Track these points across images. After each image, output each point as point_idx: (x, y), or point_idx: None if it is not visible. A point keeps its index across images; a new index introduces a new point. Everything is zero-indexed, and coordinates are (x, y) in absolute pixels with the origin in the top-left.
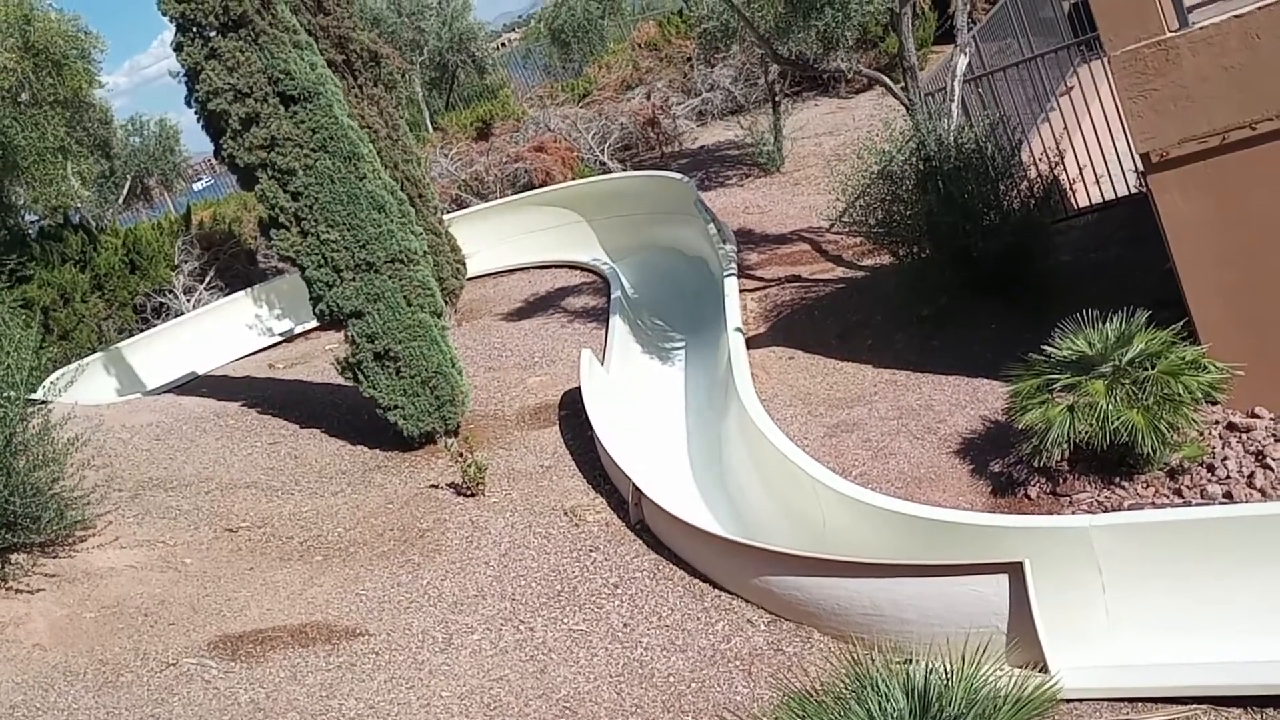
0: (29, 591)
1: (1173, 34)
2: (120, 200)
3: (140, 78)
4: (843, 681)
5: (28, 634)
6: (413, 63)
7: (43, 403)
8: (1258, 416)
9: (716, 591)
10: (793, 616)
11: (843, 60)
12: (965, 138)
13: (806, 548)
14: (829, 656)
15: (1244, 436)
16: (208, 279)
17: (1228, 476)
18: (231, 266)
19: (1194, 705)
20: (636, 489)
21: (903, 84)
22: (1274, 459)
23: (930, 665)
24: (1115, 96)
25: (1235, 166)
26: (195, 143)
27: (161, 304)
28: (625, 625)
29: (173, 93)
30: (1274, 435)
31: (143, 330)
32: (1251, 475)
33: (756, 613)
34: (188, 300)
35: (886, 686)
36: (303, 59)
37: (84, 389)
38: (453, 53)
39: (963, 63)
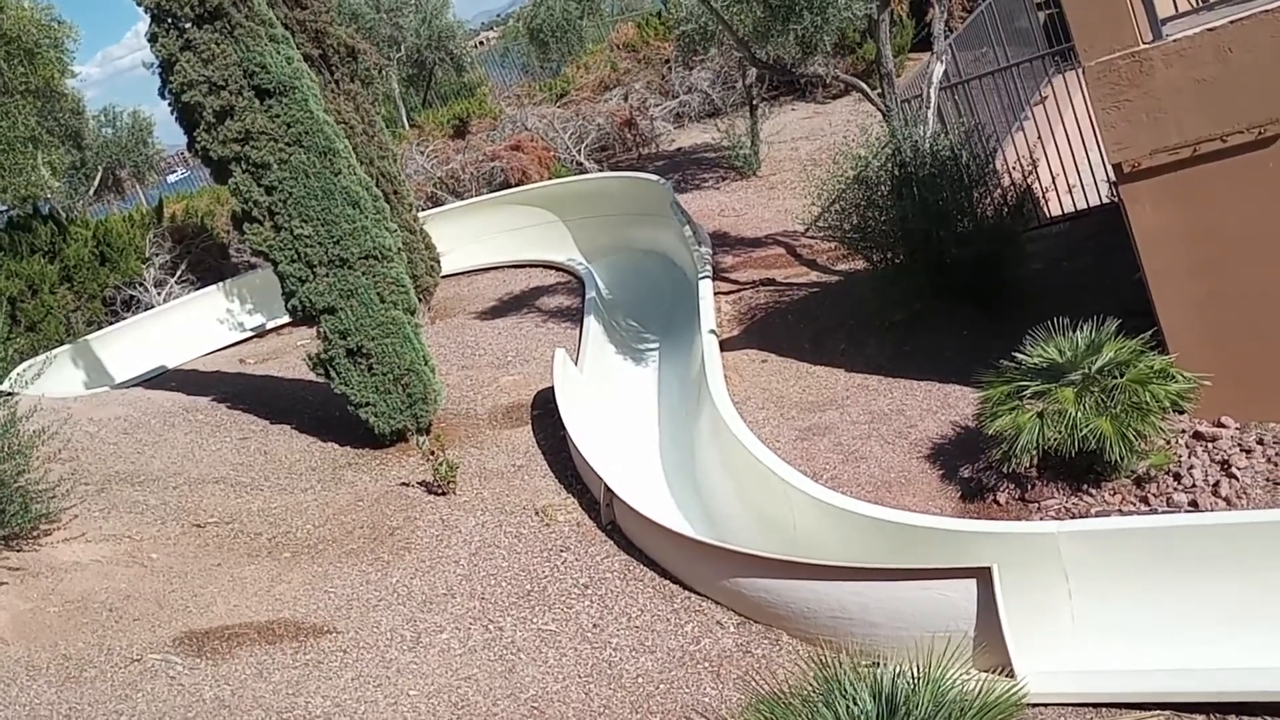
0: None
1: (1147, 45)
2: (91, 192)
3: (113, 69)
4: (811, 684)
5: None
6: (390, 59)
7: (8, 394)
8: (1224, 426)
9: (686, 593)
10: (762, 619)
11: (820, 65)
12: (940, 145)
13: (777, 550)
14: (797, 659)
15: (1210, 446)
16: (179, 272)
17: (1194, 485)
18: (203, 260)
19: (1158, 710)
20: (608, 489)
21: (879, 90)
22: (1239, 468)
23: (898, 669)
24: (1088, 107)
25: (1206, 178)
26: (169, 135)
27: (131, 297)
28: (595, 626)
29: (146, 85)
30: (1239, 445)
31: (112, 323)
32: (1217, 484)
33: (726, 615)
34: (158, 294)
35: (854, 689)
36: (279, 52)
37: (51, 381)
38: (431, 50)
39: (939, 70)
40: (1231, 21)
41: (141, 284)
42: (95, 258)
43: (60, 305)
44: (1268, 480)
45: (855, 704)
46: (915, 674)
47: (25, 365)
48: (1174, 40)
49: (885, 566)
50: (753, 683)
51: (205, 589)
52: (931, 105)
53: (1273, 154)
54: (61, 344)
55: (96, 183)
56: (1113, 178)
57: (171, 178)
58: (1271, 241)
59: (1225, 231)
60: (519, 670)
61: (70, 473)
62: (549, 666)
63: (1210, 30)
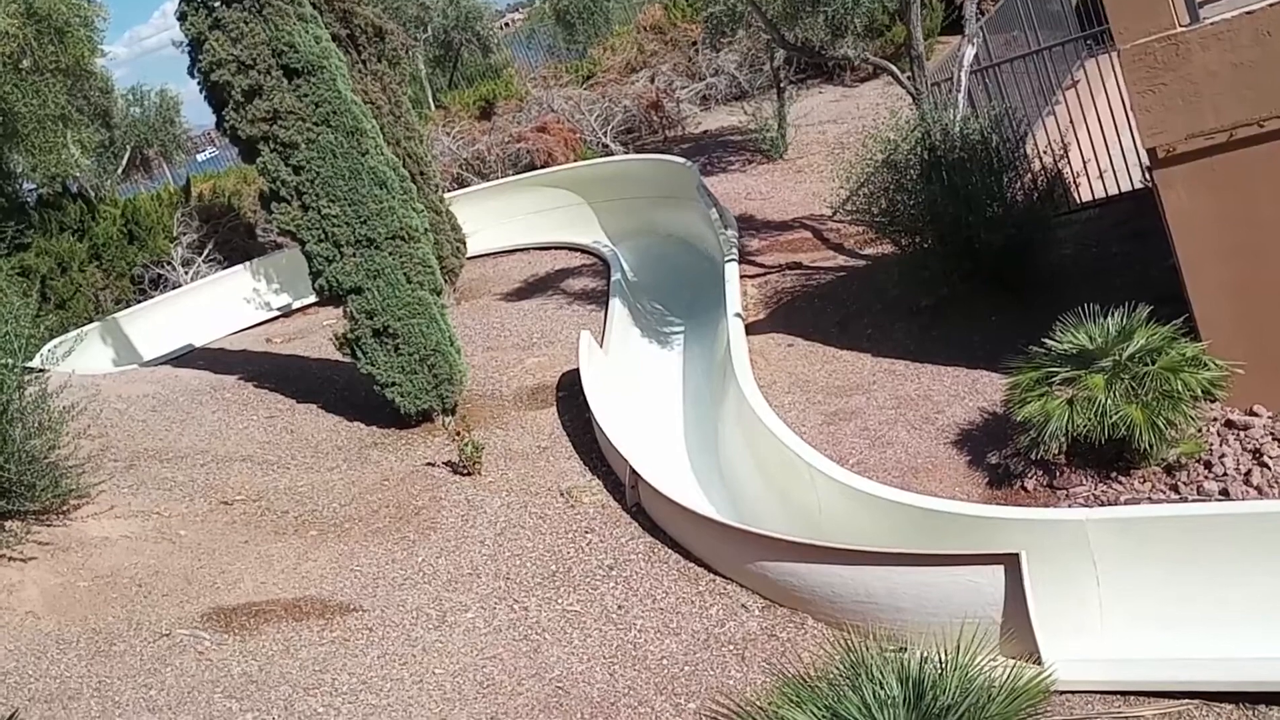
0: (22, 560)
1: (1183, 29)
2: (119, 171)
3: (140, 49)
4: (837, 668)
5: (20, 601)
6: (416, 40)
7: (40, 371)
8: (1256, 415)
9: (711, 575)
10: (787, 602)
11: (850, 48)
12: (970, 129)
13: (801, 535)
14: (823, 643)
15: (1242, 434)
16: (206, 252)
17: (1225, 474)
18: (230, 240)
19: (1186, 700)
20: (634, 472)
21: (909, 73)
22: (1271, 457)
23: (925, 654)
24: (1121, 91)
25: (1242, 164)
26: (196, 115)
27: (159, 275)
28: (619, 607)
29: (173, 65)
30: (1272, 434)
31: (140, 301)
32: (1249, 473)
33: (751, 598)
34: (185, 273)
35: (881, 674)
36: (307, 32)
37: (81, 358)
38: (457, 31)
39: (970, 53)
40: (1270, 5)
41: (169, 263)
42: (124, 236)
43: (89, 283)
44: None
45: (882, 688)
46: (942, 659)
47: (56, 342)
48: (1211, 24)
49: (913, 552)
50: (778, 666)
51: (233, 566)
52: (962, 89)
53: None
54: (90, 321)
55: (124, 162)
56: (1146, 162)
57: (201, 156)
58: None
59: (1260, 218)
60: (544, 650)
61: (99, 449)
62: (574, 647)
63: (1248, 14)
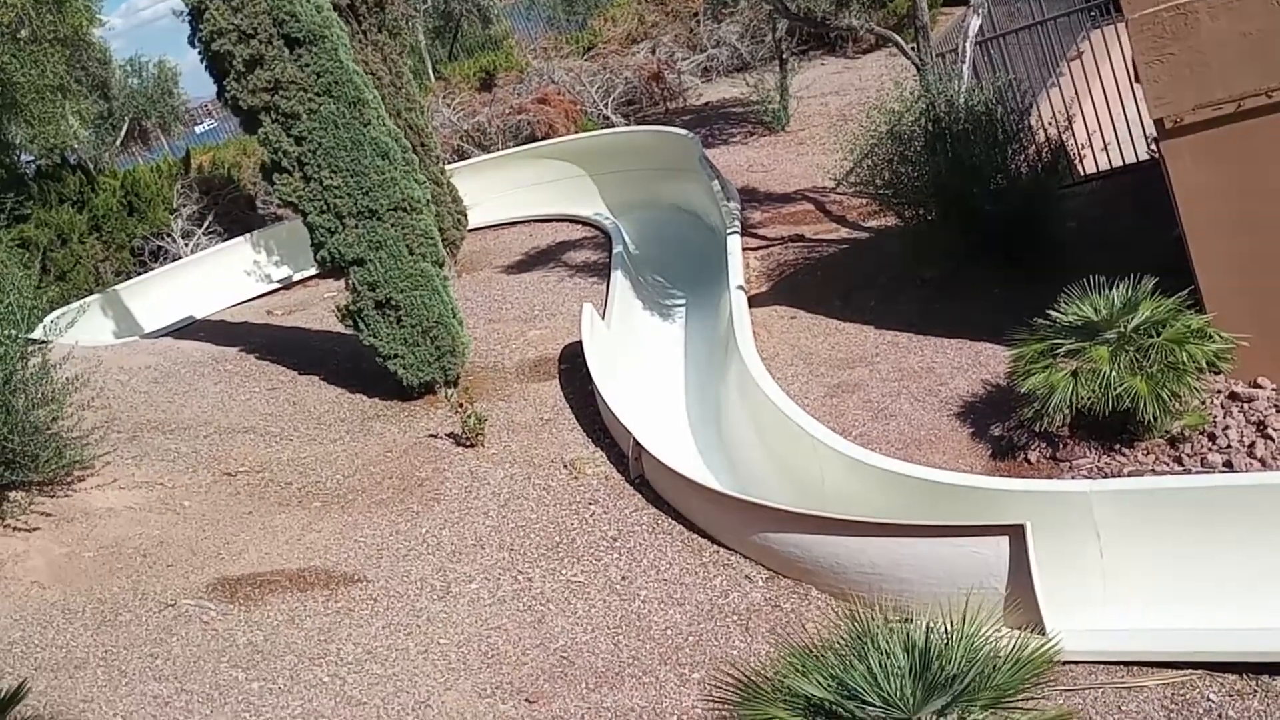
0: (27, 530)
1: None
2: (117, 142)
3: (136, 20)
4: (843, 638)
5: (26, 571)
6: (416, 10)
7: (43, 342)
8: (1260, 387)
9: (715, 547)
10: (791, 573)
11: (854, 18)
12: (975, 100)
13: (804, 506)
14: (827, 613)
15: (1246, 406)
16: (206, 224)
17: (1229, 446)
18: (230, 212)
19: (1189, 670)
20: (637, 443)
21: (914, 44)
22: (1275, 429)
23: (930, 624)
24: (1127, 63)
25: (1249, 135)
26: (194, 86)
27: (159, 247)
28: (623, 578)
29: (169, 37)
30: (1276, 406)
31: (140, 273)
32: (1252, 445)
33: (755, 569)
34: (186, 245)
35: (887, 644)
36: (308, 1)
37: (82, 330)
38: (457, 1)
39: (975, 24)
40: None
41: (169, 234)
42: (123, 208)
43: (89, 255)
44: None
45: (888, 658)
46: (947, 630)
47: (58, 313)
48: None
49: (917, 523)
50: (782, 636)
51: (237, 536)
52: (966, 60)
53: None
54: (90, 293)
55: (123, 133)
56: (1152, 134)
57: (200, 128)
58: None
59: (1267, 189)
60: (548, 621)
61: (102, 420)
62: (578, 617)
63: None
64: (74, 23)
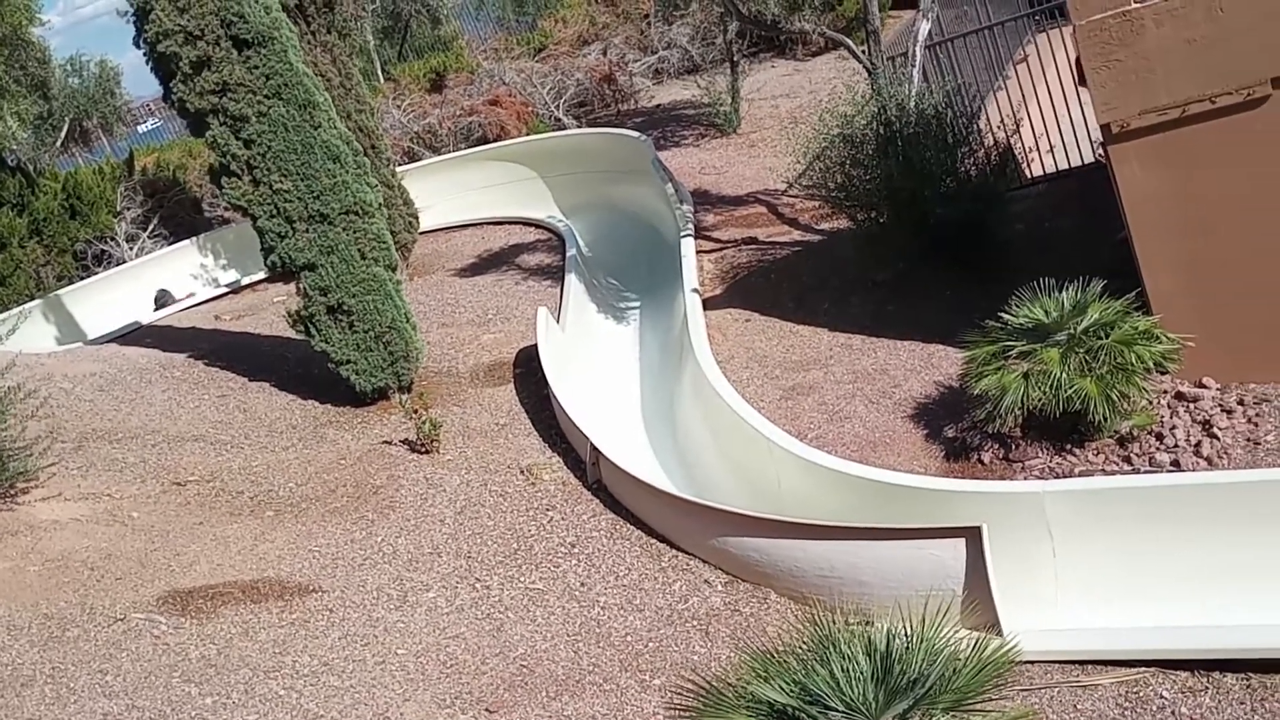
0: None
1: (1138, 5)
2: (58, 143)
3: (75, 17)
4: (804, 643)
5: None
6: (365, 10)
7: None
8: (1205, 387)
9: (674, 552)
10: (750, 577)
11: (807, 21)
12: (925, 104)
13: (761, 509)
14: (786, 617)
15: (1192, 406)
16: (151, 227)
17: (1176, 445)
18: (176, 214)
19: (1143, 668)
20: (595, 448)
21: (864, 47)
22: (1220, 428)
23: (891, 628)
24: (1071, 66)
25: (1194, 140)
26: (136, 85)
27: (103, 251)
28: (582, 584)
29: (108, 34)
30: (1221, 405)
31: (83, 278)
32: (1199, 444)
33: (714, 573)
34: (130, 248)
35: (849, 648)
36: (257, 2)
37: (24, 337)
38: (406, 1)
39: (925, 28)
40: None
41: (113, 238)
42: (65, 211)
43: (30, 259)
44: (1248, 440)
45: (851, 661)
46: (908, 633)
47: None
48: (1165, 0)
49: (876, 526)
50: (742, 641)
51: (188, 548)
52: (917, 63)
53: (1260, 116)
54: (31, 299)
55: (63, 134)
56: (1097, 138)
57: (143, 127)
58: (1257, 204)
59: (1211, 194)
60: (507, 629)
61: (47, 430)
62: (537, 625)
63: None
64: (13, 21)
